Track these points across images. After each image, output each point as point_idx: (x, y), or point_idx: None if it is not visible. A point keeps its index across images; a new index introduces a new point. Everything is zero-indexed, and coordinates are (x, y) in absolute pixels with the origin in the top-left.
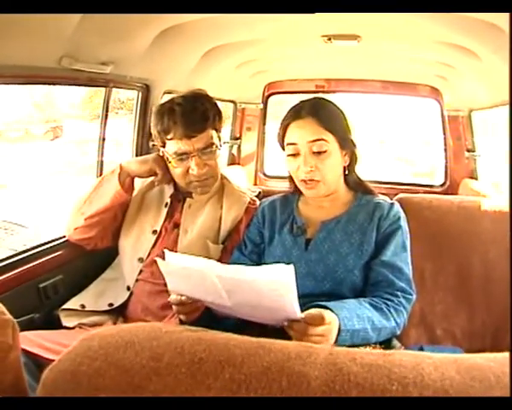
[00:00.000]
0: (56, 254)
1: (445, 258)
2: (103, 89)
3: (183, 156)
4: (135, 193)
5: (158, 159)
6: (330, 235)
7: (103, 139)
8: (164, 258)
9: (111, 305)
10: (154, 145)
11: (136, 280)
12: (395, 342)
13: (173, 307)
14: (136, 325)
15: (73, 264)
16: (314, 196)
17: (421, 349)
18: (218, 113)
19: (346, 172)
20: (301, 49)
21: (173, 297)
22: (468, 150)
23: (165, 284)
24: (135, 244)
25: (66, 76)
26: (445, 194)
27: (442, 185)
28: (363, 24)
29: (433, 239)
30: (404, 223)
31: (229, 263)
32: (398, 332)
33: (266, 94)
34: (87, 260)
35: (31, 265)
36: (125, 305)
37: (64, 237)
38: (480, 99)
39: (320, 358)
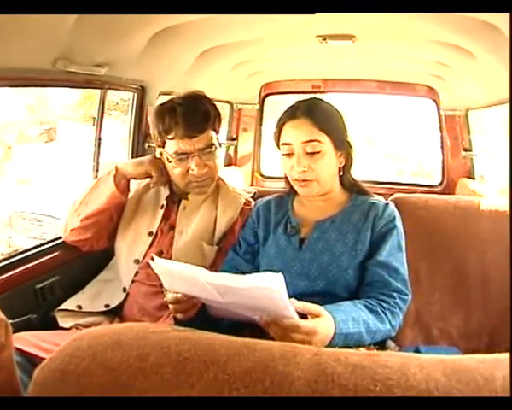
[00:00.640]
0: (53, 255)
1: (441, 258)
2: (97, 91)
3: (183, 156)
4: (131, 195)
5: (154, 161)
6: (324, 234)
7: (99, 140)
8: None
9: (107, 306)
10: (149, 147)
11: (132, 281)
12: (389, 343)
13: (170, 305)
14: (126, 324)
15: (70, 265)
16: (307, 195)
17: (418, 350)
18: (218, 114)
19: (341, 173)
20: (297, 50)
21: (169, 296)
22: (465, 149)
23: (162, 285)
24: (131, 246)
25: (61, 78)
26: (442, 193)
27: (439, 185)
28: (359, 24)
29: (429, 239)
30: (399, 223)
31: (223, 264)
32: (393, 334)
33: (263, 94)
34: (83, 261)
35: (28, 266)
36: (121, 306)
37: (60, 238)
38: (476, 98)
39: (304, 358)
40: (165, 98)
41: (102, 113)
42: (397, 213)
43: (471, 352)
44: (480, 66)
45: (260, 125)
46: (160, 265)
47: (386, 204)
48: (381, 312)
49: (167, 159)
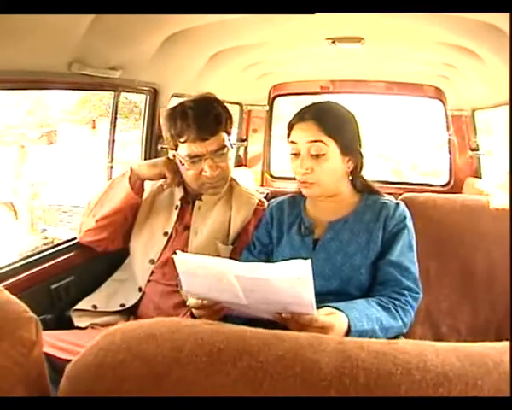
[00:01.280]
0: (68, 255)
1: (450, 256)
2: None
3: (195, 159)
4: (145, 195)
5: (167, 162)
6: (337, 235)
7: (113, 142)
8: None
9: (123, 305)
10: (162, 148)
11: (148, 281)
12: (402, 340)
13: (194, 311)
14: (156, 319)
15: (85, 265)
16: (310, 195)
17: None
18: (229, 116)
19: (350, 177)
20: (306, 52)
21: (193, 301)
22: (472, 149)
23: (177, 285)
24: (146, 246)
25: (74, 81)
26: (449, 193)
27: (447, 184)
28: (367, 26)
29: (437, 238)
30: (409, 222)
31: None
32: (405, 331)
33: (272, 96)
34: (98, 261)
35: (43, 266)
36: (136, 305)
37: (75, 238)
38: (482, 99)
39: (330, 346)
40: (177, 100)
41: (116, 115)
42: (407, 213)
43: None
44: (486, 67)
45: (270, 126)
46: (184, 260)
47: (397, 204)
48: (393, 309)
49: (180, 161)
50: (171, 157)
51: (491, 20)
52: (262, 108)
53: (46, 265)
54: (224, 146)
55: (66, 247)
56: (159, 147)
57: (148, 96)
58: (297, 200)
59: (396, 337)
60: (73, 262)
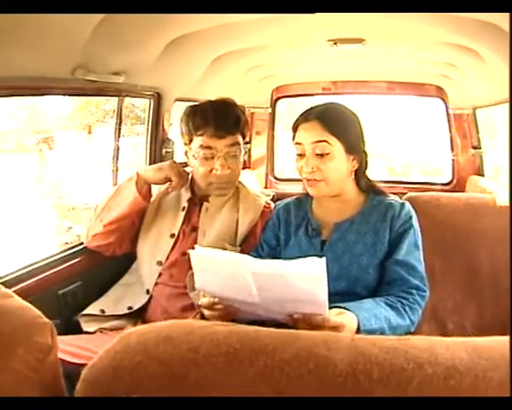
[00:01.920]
0: (75, 260)
1: (454, 254)
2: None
3: (208, 155)
4: (152, 199)
5: (173, 166)
6: (344, 236)
7: (118, 148)
8: (183, 262)
9: (130, 308)
10: (167, 152)
11: (156, 284)
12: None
13: (205, 312)
14: (171, 322)
15: (92, 271)
16: (316, 194)
17: None
18: (246, 121)
19: (355, 176)
20: (308, 53)
21: (205, 300)
22: (474, 147)
23: (185, 287)
24: (153, 248)
25: (78, 87)
26: (452, 191)
27: (450, 183)
28: (368, 27)
29: (441, 236)
30: (415, 222)
31: None
32: (413, 329)
33: (274, 98)
34: (105, 266)
35: (50, 272)
36: (144, 308)
37: (82, 244)
38: (483, 97)
39: (343, 343)
40: (180, 104)
41: (120, 120)
42: (413, 213)
43: None
44: (487, 65)
45: (273, 128)
46: (201, 254)
47: (403, 204)
48: (400, 308)
49: (193, 156)
50: (177, 160)
51: (491, 20)
52: (265, 110)
53: (54, 270)
54: (238, 147)
55: (74, 252)
56: (163, 151)
57: (152, 101)
58: (303, 202)
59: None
60: (81, 268)
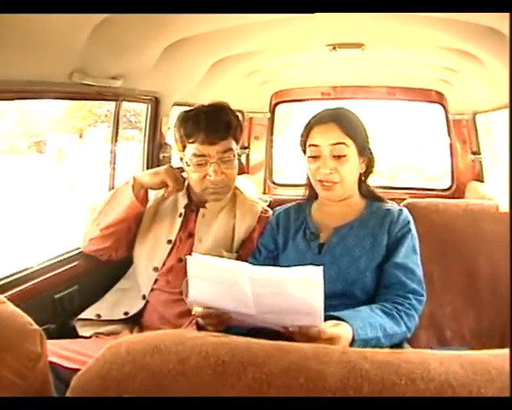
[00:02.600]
0: (72, 265)
1: (453, 260)
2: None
3: (201, 161)
4: (149, 204)
5: (169, 170)
6: (343, 240)
7: (114, 153)
8: (180, 268)
9: (126, 313)
10: (164, 157)
11: (152, 290)
12: (406, 346)
13: (199, 320)
14: (160, 332)
15: (88, 275)
16: (330, 197)
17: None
18: (240, 125)
19: (362, 179)
20: (306, 58)
21: (199, 309)
22: (474, 153)
23: (181, 293)
24: (150, 254)
25: (75, 91)
26: (452, 197)
27: (449, 189)
28: (367, 32)
29: (440, 242)
30: (413, 227)
31: None
32: (409, 336)
33: (273, 103)
34: (102, 270)
35: (46, 276)
36: (140, 314)
37: (79, 248)
38: (483, 102)
39: (335, 357)
40: (178, 109)
41: (117, 125)
42: (411, 219)
43: None
44: (487, 70)
45: (271, 133)
46: (198, 261)
47: (401, 210)
48: (396, 315)
49: (186, 163)
50: (177, 163)
51: (491, 24)
52: (263, 115)
53: (50, 274)
54: (231, 153)
55: (70, 256)
56: (161, 155)
57: (150, 105)
58: (302, 207)
59: (400, 343)
60: (77, 272)
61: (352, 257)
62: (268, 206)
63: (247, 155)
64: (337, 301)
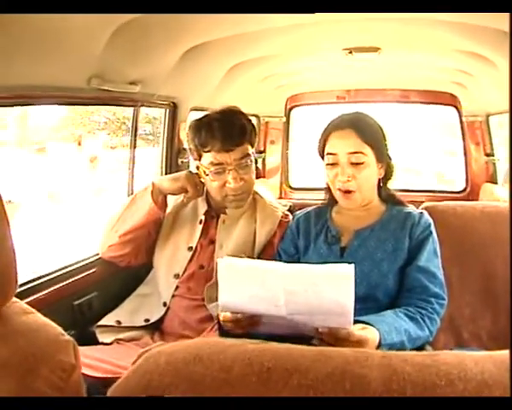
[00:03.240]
0: (91, 271)
1: (470, 263)
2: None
3: (219, 169)
4: (169, 210)
5: (189, 176)
6: (365, 243)
7: (133, 159)
8: (201, 274)
9: (147, 320)
10: (182, 162)
11: (173, 296)
12: (428, 348)
13: (226, 323)
14: (199, 340)
15: (107, 281)
16: (349, 205)
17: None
18: (253, 128)
19: (381, 185)
20: (322, 62)
21: (228, 315)
22: (487, 155)
23: (203, 299)
24: (170, 261)
25: (94, 96)
26: (466, 199)
27: (463, 191)
28: (383, 35)
29: (458, 245)
30: (434, 230)
31: None
32: (431, 339)
33: (288, 107)
34: (121, 276)
35: (66, 282)
36: (161, 320)
37: (98, 254)
38: (496, 104)
39: (376, 361)
40: (195, 114)
41: (136, 130)
42: (431, 221)
43: None
44: (500, 73)
45: (287, 137)
46: (230, 264)
47: (421, 213)
48: (420, 319)
49: (204, 172)
50: (192, 170)
51: (504, 27)
52: (279, 119)
53: (69, 281)
54: (248, 157)
55: (89, 262)
56: (179, 161)
57: (168, 110)
58: (323, 211)
59: (422, 345)
60: (96, 278)
61: (373, 260)
62: (288, 210)
63: (263, 160)
64: (360, 304)
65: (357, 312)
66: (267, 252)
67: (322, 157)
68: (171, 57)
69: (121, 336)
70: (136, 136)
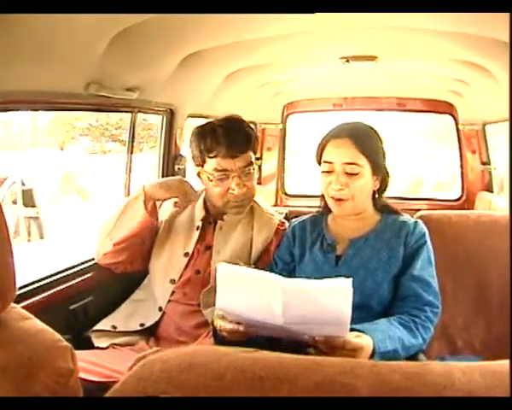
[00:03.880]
0: (86, 276)
1: (464, 271)
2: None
3: (223, 175)
4: (166, 216)
5: (180, 183)
6: (359, 252)
7: (130, 162)
8: (197, 280)
9: (142, 325)
10: (179, 169)
11: (168, 301)
12: (421, 356)
13: (224, 333)
14: (193, 348)
15: (103, 286)
16: (341, 213)
17: (443, 359)
18: (256, 136)
19: (376, 196)
20: (318, 70)
21: (229, 326)
22: (483, 163)
23: (198, 305)
24: (166, 266)
25: (91, 102)
26: (462, 207)
27: (459, 199)
28: (380, 44)
29: (452, 254)
30: (428, 239)
31: None
32: (425, 348)
33: (285, 114)
34: (117, 281)
35: (62, 287)
36: (156, 325)
37: (93, 259)
38: (493, 113)
39: (365, 370)
40: (193, 120)
41: (133, 136)
42: (426, 230)
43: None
44: (497, 82)
45: (284, 144)
46: (229, 270)
47: (416, 222)
48: (413, 327)
49: (208, 178)
50: (191, 177)
51: (502, 38)
52: (276, 126)
53: (65, 285)
54: (252, 165)
55: (85, 267)
56: (176, 167)
57: (164, 117)
58: (318, 219)
59: (416, 354)
60: (92, 283)
61: (368, 269)
62: (285, 218)
63: (260, 166)
64: (354, 313)
65: (351, 320)
66: (263, 259)
67: (320, 163)
68: (169, 64)
69: (117, 341)
70: (133, 141)
